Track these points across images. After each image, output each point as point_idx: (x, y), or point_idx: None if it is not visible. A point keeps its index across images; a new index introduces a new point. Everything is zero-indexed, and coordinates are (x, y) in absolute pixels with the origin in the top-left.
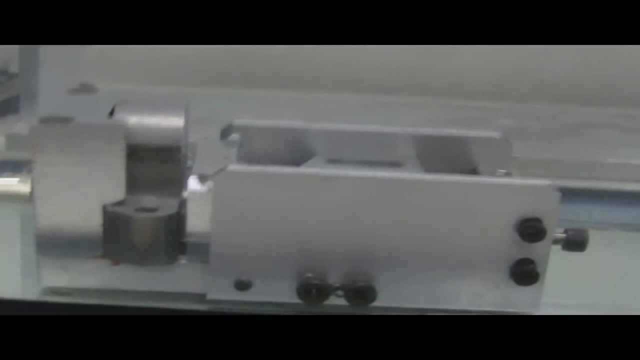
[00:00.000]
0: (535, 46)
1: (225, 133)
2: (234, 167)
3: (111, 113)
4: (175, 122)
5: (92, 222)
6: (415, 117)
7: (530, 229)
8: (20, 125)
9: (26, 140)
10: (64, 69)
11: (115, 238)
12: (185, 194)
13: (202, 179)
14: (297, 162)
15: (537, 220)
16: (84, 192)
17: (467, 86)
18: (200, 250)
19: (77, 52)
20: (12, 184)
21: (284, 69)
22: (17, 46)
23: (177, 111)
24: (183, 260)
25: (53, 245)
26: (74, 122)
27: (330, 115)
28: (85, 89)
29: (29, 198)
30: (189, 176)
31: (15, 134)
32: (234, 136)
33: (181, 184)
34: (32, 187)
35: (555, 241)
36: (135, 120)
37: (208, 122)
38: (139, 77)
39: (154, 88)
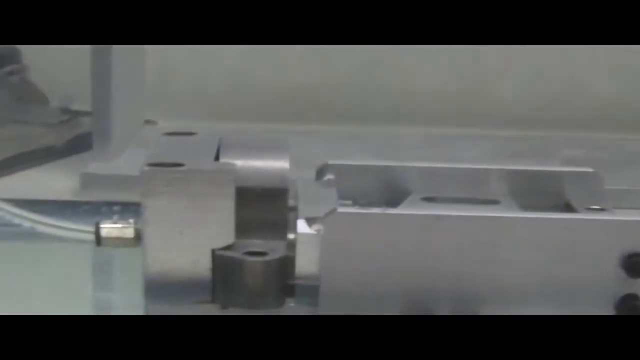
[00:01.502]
0: (584, 67)
1: (320, 173)
2: (343, 209)
3: (216, 156)
4: (281, 163)
5: (201, 266)
6: (478, 151)
7: (636, 264)
8: (95, 164)
9: (102, 180)
10: (130, 106)
11: (225, 282)
12: (292, 236)
13: (311, 221)
14: (391, 201)
15: None
16: (194, 237)
17: (521, 113)
18: (309, 293)
19: (141, 86)
20: (117, 227)
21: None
22: (78, 82)
23: (281, 152)
24: (291, 303)
25: (162, 291)
26: (185, 166)
27: (390, 150)
28: (150, 125)
29: (134, 243)
30: (293, 217)
31: (90, 174)
32: (330, 176)
33: (286, 225)
34: (139, 232)
35: None
36: (243, 163)
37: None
38: (195, 112)
39: (215, 124)
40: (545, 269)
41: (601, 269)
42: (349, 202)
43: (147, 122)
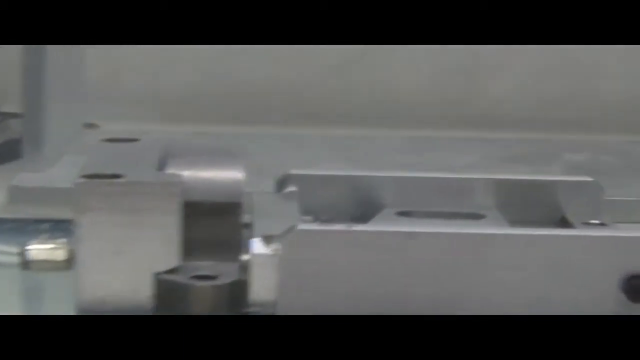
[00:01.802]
0: (592, 64)
1: (281, 184)
2: (305, 226)
3: (160, 166)
4: (233, 173)
5: (141, 293)
6: (471, 155)
7: (638, 287)
8: (25, 175)
9: (33, 193)
10: (67, 107)
11: (170, 311)
12: (246, 257)
13: (267, 240)
14: (363, 215)
15: None
16: (133, 259)
17: (520, 114)
18: None
19: (80, 85)
20: (46, 249)
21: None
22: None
23: (235, 160)
24: None
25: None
26: (124, 178)
27: (372, 155)
28: (90, 129)
29: (66, 265)
30: (247, 236)
31: (19, 186)
32: (292, 188)
33: (240, 245)
34: (72, 254)
35: None
36: (190, 174)
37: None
38: (142, 114)
39: (162, 127)
40: (536, 293)
41: (599, 293)
42: (309, 217)
43: (88, 125)
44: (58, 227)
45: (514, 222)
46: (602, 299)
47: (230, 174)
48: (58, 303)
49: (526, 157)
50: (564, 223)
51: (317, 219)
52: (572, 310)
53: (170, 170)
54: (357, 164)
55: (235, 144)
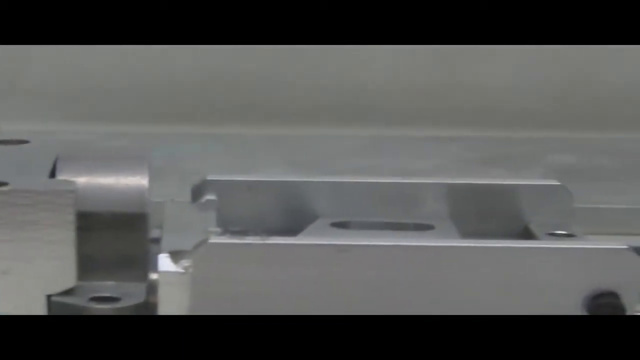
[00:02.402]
0: (588, 55)
1: (197, 192)
2: (217, 239)
3: (52, 172)
4: (137, 180)
5: None
6: (440, 157)
7: (605, 307)
8: None
9: None
10: None
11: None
12: (154, 276)
13: (176, 256)
14: (293, 227)
15: (612, 295)
16: (23, 279)
17: (503, 110)
18: None
19: None
20: None
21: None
22: None
23: (138, 165)
24: None
25: None
26: (9, 186)
27: (327, 159)
28: None
29: None
30: (156, 252)
31: None
32: (210, 196)
33: (147, 263)
34: None
35: None
36: (86, 180)
37: (165, 176)
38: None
39: (69, 126)
40: (487, 313)
41: (561, 313)
42: (219, 229)
43: None
44: None
45: (469, 234)
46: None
47: (133, 181)
48: None
49: (505, 159)
50: (527, 234)
51: (229, 231)
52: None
53: (63, 177)
54: (300, 169)
55: (145, 146)
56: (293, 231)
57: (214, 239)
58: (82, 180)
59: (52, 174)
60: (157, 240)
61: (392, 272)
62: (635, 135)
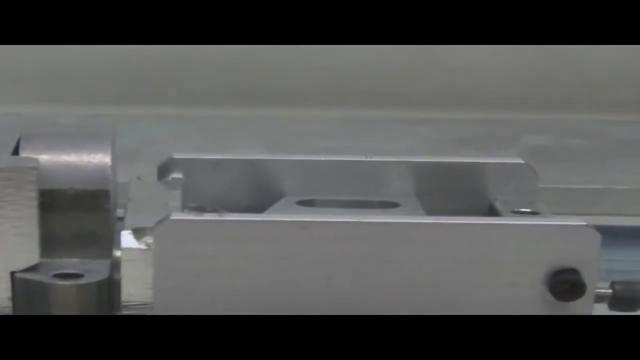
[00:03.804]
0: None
1: (163, 171)
2: (178, 216)
3: (16, 150)
4: (100, 157)
5: None
6: (412, 139)
7: (564, 283)
8: None
9: None
10: None
11: (29, 314)
12: (118, 253)
13: (138, 233)
14: (260, 206)
15: (572, 271)
16: None
17: (479, 91)
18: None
19: None
20: None
21: (230, 79)
22: None
23: (101, 143)
24: None
25: None
26: None
27: (299, 140)
28: None
29: None
30: (120, 229)
31: None
32: (176, 174)
33: (111, 240)
34: None
35: (599, 298)
36: (49, 157)
37: (136, 156)
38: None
39: (39, 108)
40: (449, 291)
41: (522, 290)
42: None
43: None
44: None
45: (434, 212)
46: (526, 298)
47: (96, 158)
48: None
49: (479, 140)
50: (492, 212)
51: (213, 210)
52: (491, 310)
53: (26, 154)
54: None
55: (100, 124)
56: (260, 210)
57: (174, 216)
58: (44, 157)
59: (15, 152)
60: (122, 219)
61: (355, 249)
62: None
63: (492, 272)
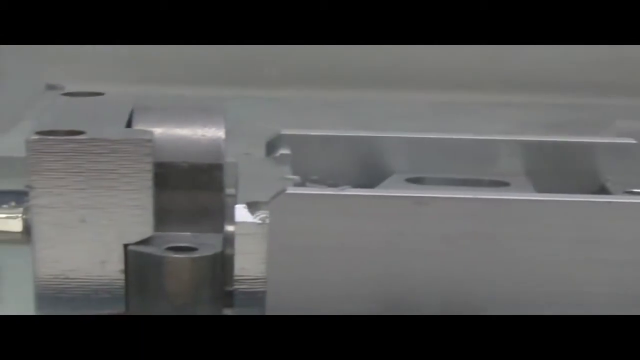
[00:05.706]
0: None
1: (272, 147)
2: (295, 189)
3: (128, 123)
4: (213, 132)
5: (110, 267)
6: (504, 122)
7: None
8: None
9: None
10: (26, 66)
11: (142, 288)
12: (230, 228)
13: (253, 207)
14: (368, 183)
15: None
16: (99, 229)
17: (568, 75)
18: (253, 301)
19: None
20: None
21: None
22: None
23: (214, 118)
24: (229, 313)
25: (59, 301)
26: (85, 134)
27: (388, 122)
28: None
29: (23, 238)
30: (233, 204)
31: None
32: (284, 150)
33: (223, 214)
34: (28, 224)
35: None
36: (163, 131)
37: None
38: (114, 76)
39: (136, 88)
40: (565, 270)
41: (635, 270)
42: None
43: (50, 87)
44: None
45: (545, 192)
46: (639, 277)
47: (209, 132)
48: (17, 282)
49: (572, 124)
50: (603, 193)
51: (308, 180)
52: (604, 291)
53: (140, 127)
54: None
55: (213, 102)
56: (367, 186)
57: (291, 190)
58: (158, 130)
59: (129, 125)
60: (232, 196)
61: (469, 226)
62: None
63: (610, 252)
